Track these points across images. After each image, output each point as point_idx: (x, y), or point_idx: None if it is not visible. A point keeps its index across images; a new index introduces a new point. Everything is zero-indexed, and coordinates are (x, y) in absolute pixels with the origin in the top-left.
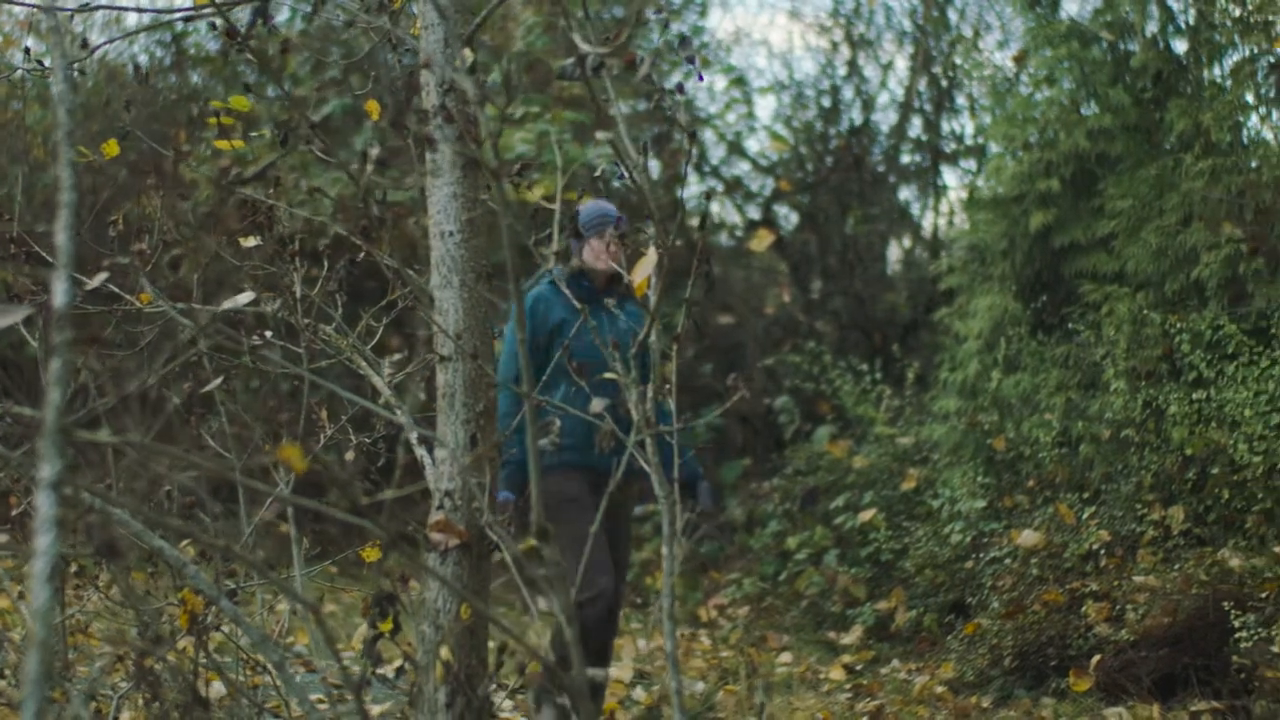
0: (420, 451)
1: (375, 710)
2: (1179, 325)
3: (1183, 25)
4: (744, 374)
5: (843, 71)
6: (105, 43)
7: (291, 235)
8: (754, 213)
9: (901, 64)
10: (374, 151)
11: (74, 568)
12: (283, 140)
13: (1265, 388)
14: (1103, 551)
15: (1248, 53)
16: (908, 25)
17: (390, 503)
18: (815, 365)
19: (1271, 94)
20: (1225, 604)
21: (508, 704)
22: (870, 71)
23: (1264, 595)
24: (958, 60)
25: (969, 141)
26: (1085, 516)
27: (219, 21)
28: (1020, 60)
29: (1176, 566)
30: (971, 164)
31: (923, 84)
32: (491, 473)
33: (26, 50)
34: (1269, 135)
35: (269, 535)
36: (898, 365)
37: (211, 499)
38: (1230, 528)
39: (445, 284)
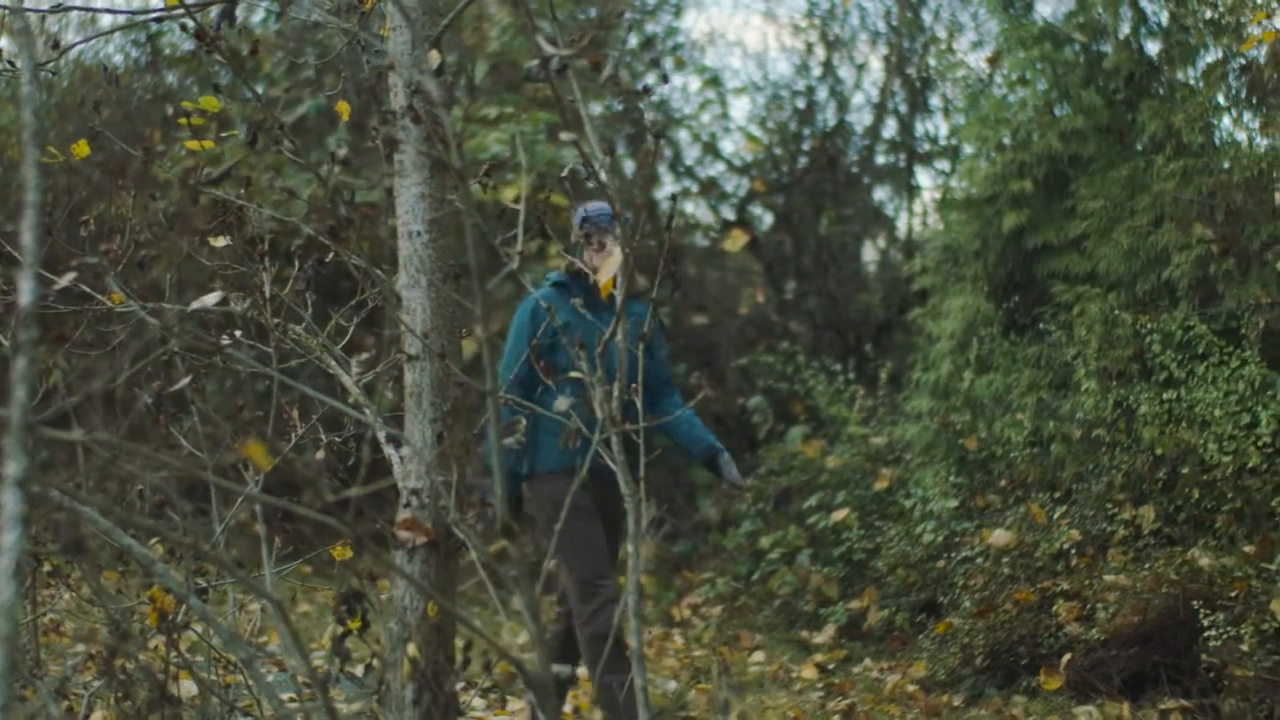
0: (389, 450)
1: (348, 709)
2: (1150, 326)
3: (1155, 27)
4: (718, 374)
5: (817, 72)
6: (77, 43)
7: (260, 235)
8: (728, 213)
9: (876, 65)
10: (341, 152)
11: (46, 567)
12: (251, 140)
13: (1235, 388)
14: (1074, 551)
15: (1219, 54)
16: (882, 26)
17: (363, 502)
18: (789, 365)
19: (1243, 95)
20: (1195, 603)
21: (480, 702)
22: (845, 72)
23: (1233, 594)
24: (931, 61)
25: (943, 142)
26: (1056, 516)
27: (189, 22)
28: (994, 61)
29: (1147, 566)
30: (945, 165)
31: (897, 85)
32: (459, 471)
33: None
34: (1241, 136)
35: (242, 535)
36: (871, 365)
37: (184, 499)
38: (1200, 527)
39: (413, 284)
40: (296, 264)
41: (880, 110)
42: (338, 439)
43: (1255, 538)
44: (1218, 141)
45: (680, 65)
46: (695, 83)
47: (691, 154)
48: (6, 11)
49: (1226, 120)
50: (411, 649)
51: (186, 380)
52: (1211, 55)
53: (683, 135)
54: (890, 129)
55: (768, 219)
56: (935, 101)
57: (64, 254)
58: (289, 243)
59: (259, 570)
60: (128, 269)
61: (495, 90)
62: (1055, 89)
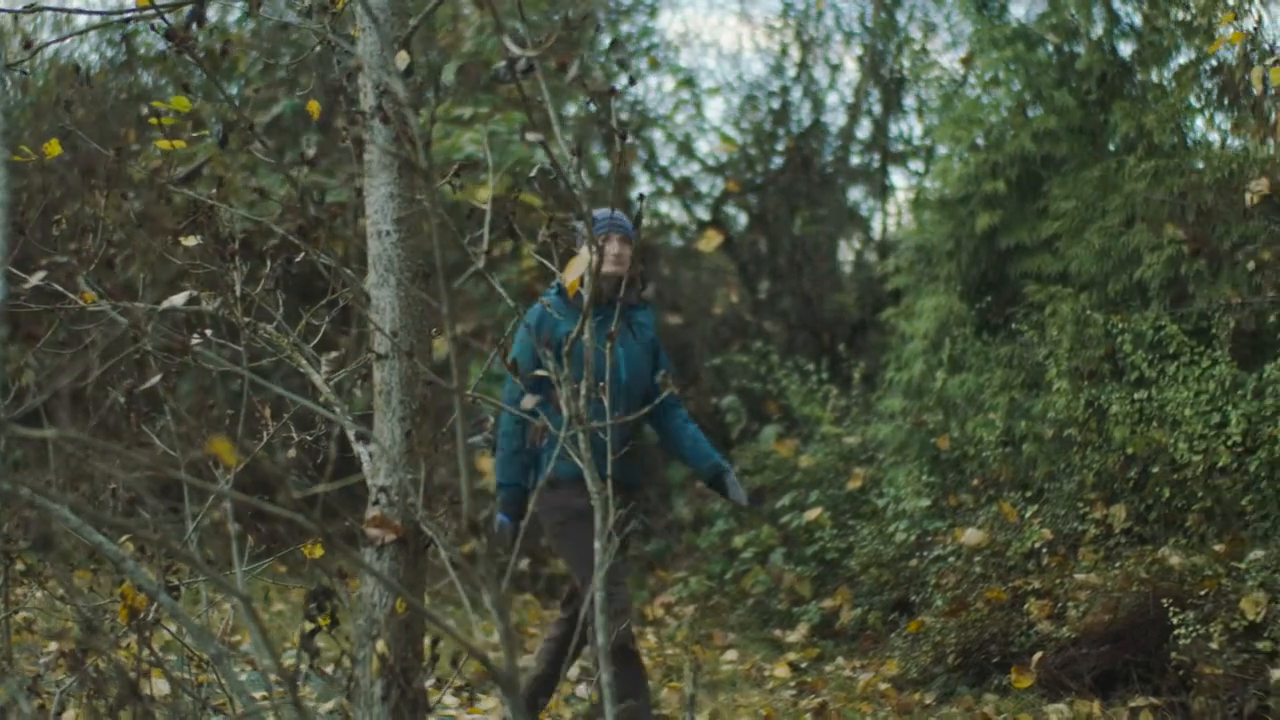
0: (358, 448)
1: (322, 708)
2: (1121, 325)
3: (1128, 28)
4: (692, 374)
5: (792, 73)
6: (50, 42)
7: (231, 234)
8: (703, 213)
9: (851, 65)
10: (310, 152)
11: (19, 565)
12: (221, 141)
13: (1205, 388)
14: (1045, 550)
15: (1192, 56)
16: (856, 27)
17: (335, 501)
18: (763, 365)
19: (1215, 96)
20: (1165, 601)
21: (452, 700)
22: (819, 73)
23: (1203, 593)
24: (906, 62)
25: (917, 143)
26: (1028, 515)
27: (159, 22)
28: (967, 62)
29: (1117, 564)
30: (919, 165)
31: (871, 85)
32: (427, 469)
33: None
34: (1214, 137)
35: (216, 535)
36: (845, 365)
37: (158, 498)
38: (1171, 526)
39: (382, 282)
40: (268, 263)
41: (855, 111)
42: (308, 437)
43: (1225, 536)
44: (1190, 142)
45: (655, 66)
46: (670, 83)
47: (666, 154)
48: None
49: (1200, 121)
50: (380, 646)
51: (157, 379)
52: (1184, 57)
53: (657, 135)
54: (865, 129)
55: (742, 219)
56: (909, 102)
57: (37, 253)
58: (263, 242)
59: (230, 569)
60: (100, 268)
61: (465, 90)
62: (1028, 90)
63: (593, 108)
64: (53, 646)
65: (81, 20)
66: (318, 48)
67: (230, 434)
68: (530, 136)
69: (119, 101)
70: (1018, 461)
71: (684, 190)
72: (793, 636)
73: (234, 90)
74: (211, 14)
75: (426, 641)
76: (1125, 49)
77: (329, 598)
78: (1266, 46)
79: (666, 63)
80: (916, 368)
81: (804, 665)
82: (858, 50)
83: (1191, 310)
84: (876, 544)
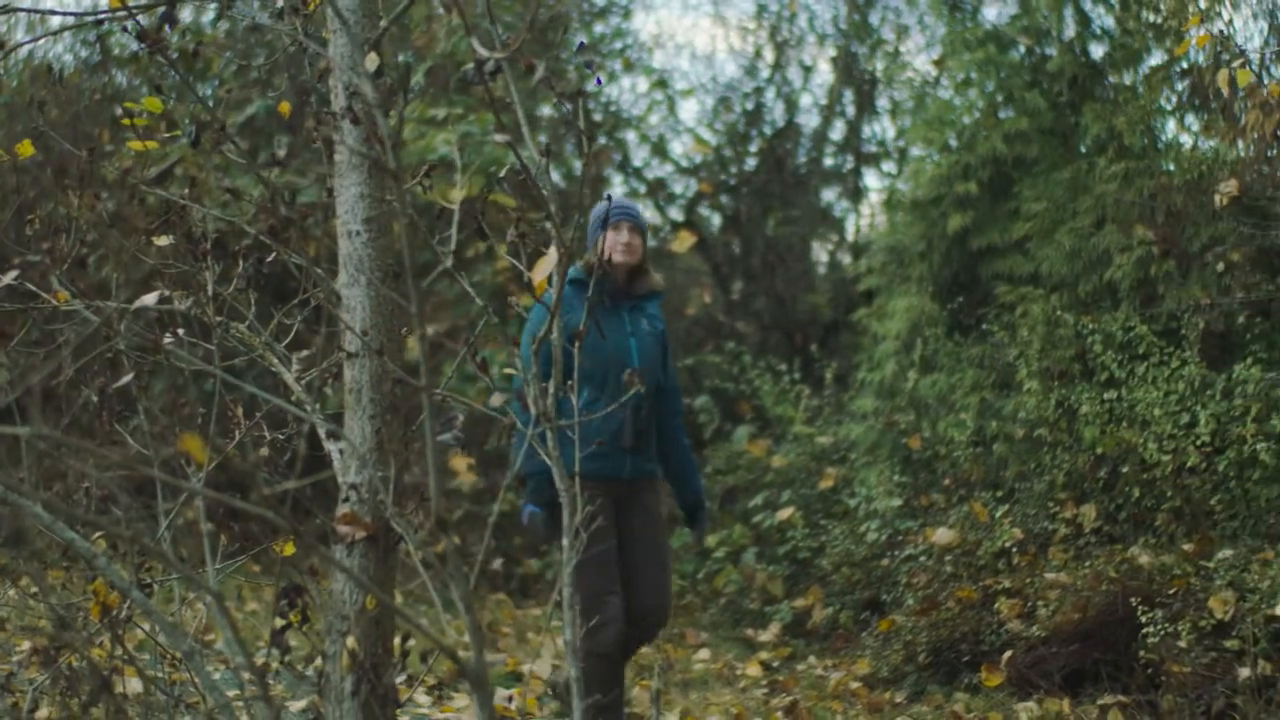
0: (329, 446)
1: (293, 706)
2: (1091, 326)
3: (1099, 31)
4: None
5: (766, 74)
6: (23, 43)
7: (203, 234)
8: (677, 214)
9: (824, 67)
10: (281, 153)
11: None
12: (194, 141)
13: (1175, 388)
14: (1015, 549)
15: (1162, 58)
16: (830, 29)
17: (308, 499)
18: (735, 365)
19: (1185, 99)
20: (1134, 600)
21: (425, 699)
22: (793, 74)
23: (1172, 592)
24: (879, 64)
25: (890, 144)
26: (999, 515)
27: (132, 24)
28: (940, 64)
29: (1087, 564)
30: (892, 166)
31: (844, 87)
32: (398, 467)
33: None
34: (1185, 139)
35: (189, 534)
36: (817, 365)
37: (131, 497)
38: (1140, 526)
39: (352, 282)
40: (240, 263)
41: (828, 112)
42: (280, 436)
43: (1194, 536)
44: (1160, 144)
45: (629, 67)
46: (644, 84)
47: (640, 155)
48: None
49: (1170, 123)
50: (350, 641)
51: (129, 377)
52: (1155, 59)
53: (631, 137)
54: (838, 131)
55: (716, 220)
56: (882, 104)
57: (10, 252)
58: (235, 242)
59: (203, 568)
60: (73, 267)
61: (435, 91)
62: (1000, 91)
63: (567, 109)
64: (25, 645)
65: (55, 21)
66: (290, 49)
67: (203, 433)
68: (498, 138)
69: (92, 102)
70: (989, 461)
71: (658, 191)
72: (764, 635)
73: (208, 91)
74: (185, 15)
75: (396, 638)
76: (1097, 51)
77: (300, 594)
78: (1236, 49)
79: (640, 64)
80: (888, 368)
81: (776, 664)
82: (831, 52)
83: (1161, 311)
84: (848, 543)
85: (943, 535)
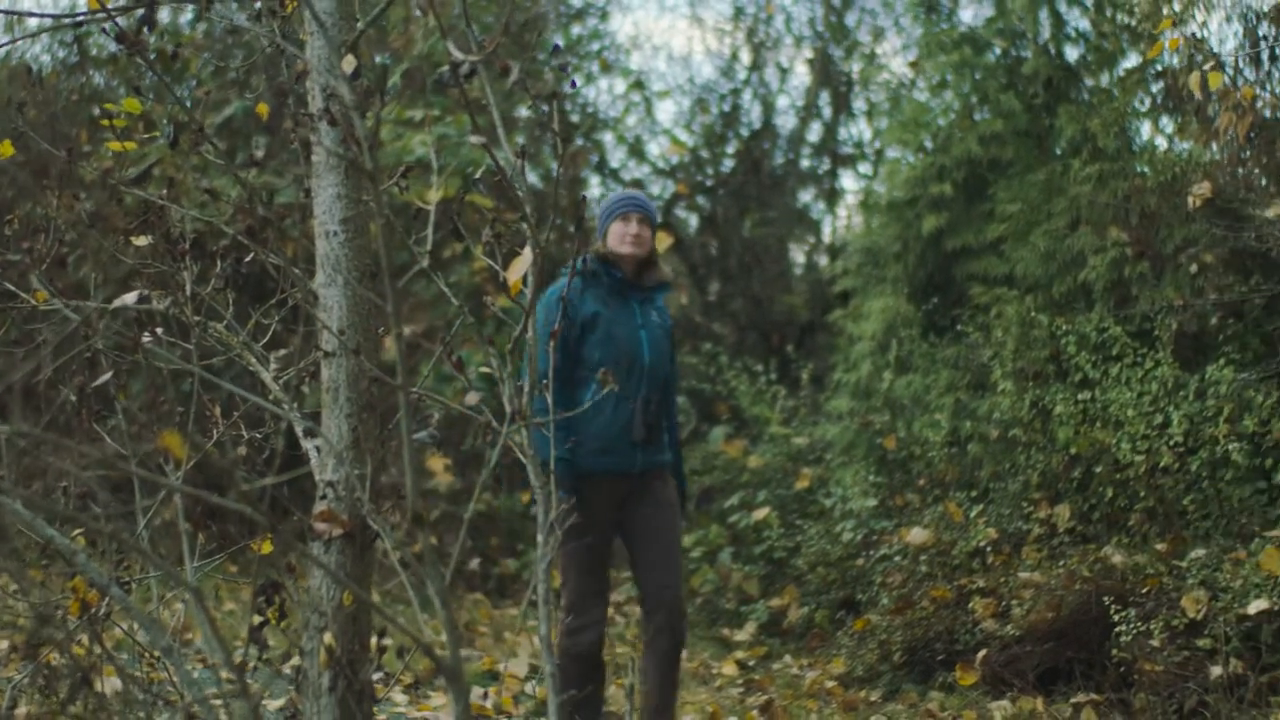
0: (306, 444)
1: (270, 705)
2: (1066, 327)
3: (1074, 33)
4: None
5: (743, 76)
6: (0, 44)
7: (182, 234)
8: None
9: (801, 69)
10: (258, 154)
11: None
12: (172, 143)
13: (1148, 389)
14: (990, 549)
15: (1137, 61)
16: (807, 31)
17: (286, 499)
18: (712, 366)
19: (1159, 101)
20: (1107, 599)
21: (401, 698)
22: (769, 76)
23: (1144, 591)
24: (855, 66)
25: (866, 146)
26: (973, 514)
27: (111, 25)
28: (916, 66)
29: (1061, 563)
30: (869, 168)
31: (821, 89)
32: (374, 465)
33: None
34: (1160, 142)
35: (169, 534)
36: (793, 366)
37: (111, 496)
38: (1113, 525)
39: (329, 282)
40: (218, 263)
41: (805, 114)
42: (258, 434)
43: (1167, 535)
44: (1134, 146)
45: (606, 68)
46: (621, 86)
47: (617, 156)
48: None
49: (1144, 125)
50: (328, 638)
51: (108, 375)
52: (1130, 61)
53: (608, 138)
54: (815, 132)
55: (693, 221)
56: (859, 105)
57: None
58: (213, 242)
59: (181, 567)
60: (52, 267)
61: (412, 93)
62: (975, 93)
63: (545, 109)
64: (3, 644)
65: (34, 22)
66: (268, 50)
67: (181, 431)
68: (474, 140)
69: (70, 102)
70: (963, 461)
71: None
72: (740, 635)
73: (185, 92)
74: (163, 16)
75: (373, 637)
76: (1072, 54)
77: (277, 591)
78: (1209, 51)
79: (617, 65)
80: (864, 369)
81: (751, 663)
82: (808, 54)
83: (1135, 312)
84: (824, 543)
85: (918, 535)
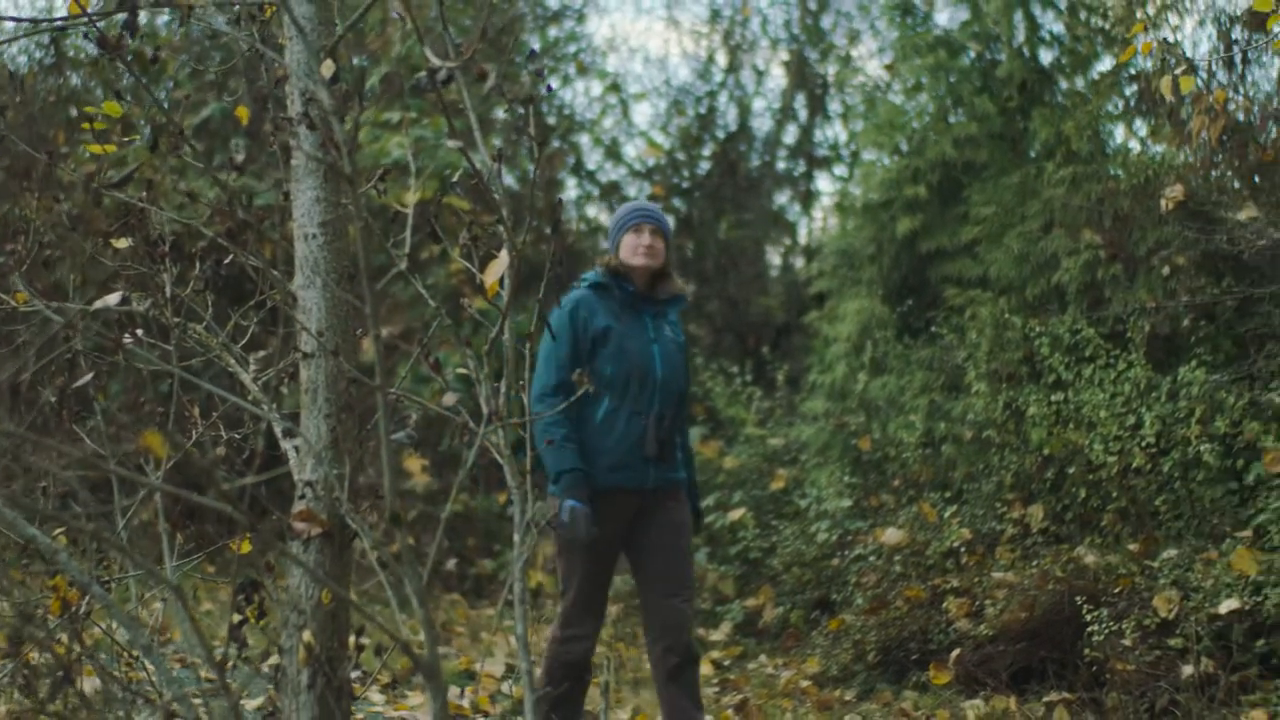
0: (285, 444)
1: (249, 705)
2: (1039, 329)
3: (1048, 36)
4: None
5: (719, 78)
6: None
7: (161, 236)
8: None
9: (777, 71)
10: (238, 157)
11: None
12: (152, 146)
13: (1121, 390)
14: (964, 549)
15: (1111, 64)
16: (783, 34)
17: (268, 498)
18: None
19: (1133, 104)
20: (1080, 599)
21: (379, 697)
22: (745, 78)
23: (1117, 590)
24: (831, 68)
25: (842, 148)
26: (947, 515)
27: (92, 30)
28: (891, 69)
29: (1034, 563)
30: (844, 170)
31: (797, 91)
32: (352, 465)
33: None
34: (1135, 145)
35: (147, 535)
36: (769, 368)
37: (90, 495)
38: (1086, 526)
39: (308, 284)
40: (198, 265)
41: (781, 116)
42: (237, 435)
43: (1139, 536)
44: (1108, 149)
45: (582, 70)
46: (597, 88)
47: (593, 158)
48: None
49: (1119, 128)
50: (307, 635)
51: (89, 377)
52: (1105, 64)
53: (585, 140)
54: (791, 135)
55: (669, 223)
56: (835, 108)
57: None
58: (192, 245)
59: (160, 565)
60: (32, 269)
61: (389, 96)
62: (950, 96)
63: (520, 110)
64: None
65: (9, 25)
66: (247, 53)
67: (161, 431)
68: (451, 144)
69: (47, 103)
70: (937, 462)
71: (611, 194)
72: (716, 635)
73: (162, 93)
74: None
75: (351, 636)
76: (1046, 57)
77: (257, 590)
78: (1182, 54)
79: (594, 68)
80: (839, 370)
81: (727, 663)
82: (784, 56)
83: (1108, 314)
84: (799, 544)
85: (892, 535)
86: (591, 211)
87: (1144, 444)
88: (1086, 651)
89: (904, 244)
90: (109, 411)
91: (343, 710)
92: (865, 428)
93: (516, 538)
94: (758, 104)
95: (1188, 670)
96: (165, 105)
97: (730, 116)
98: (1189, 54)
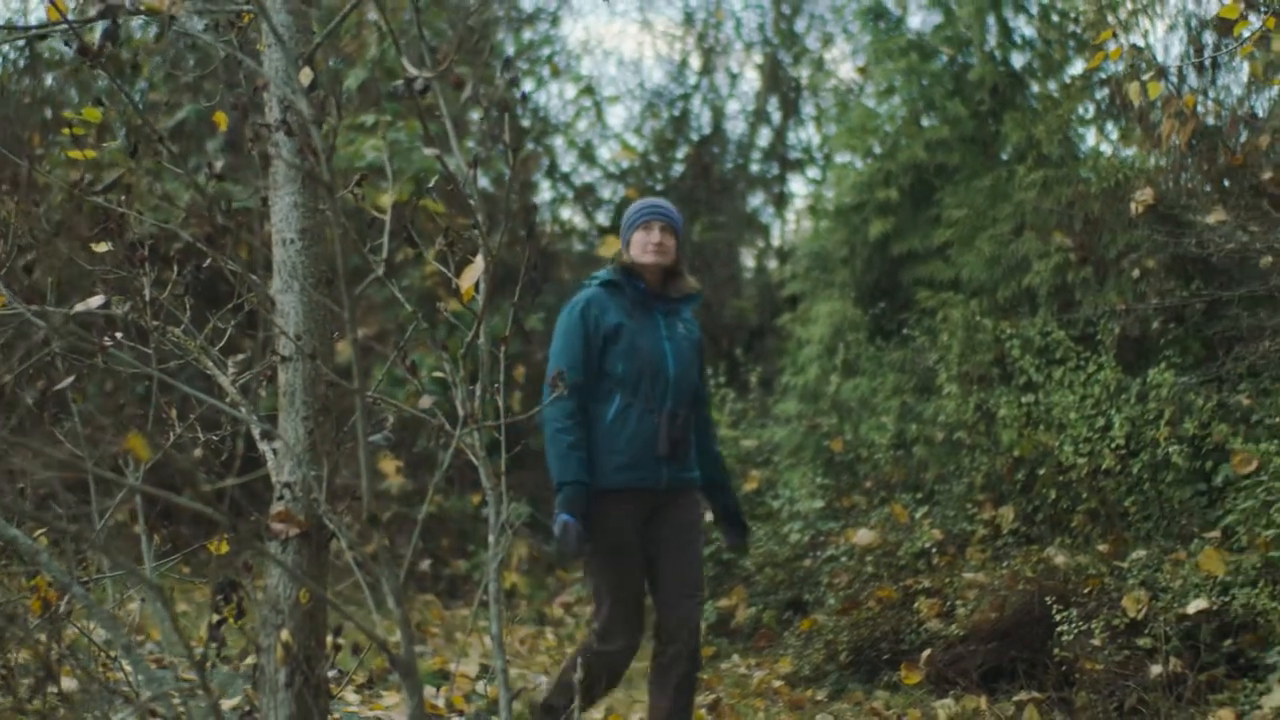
0: (263, 446)
1: (226, 704)
2: (1010, 331)
3: (1020, 40)
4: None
5: (693, 81)
6: None
7: (141, 240)
8: (604, 219)
9: (751, 74)
10: (218, 165)
11: None
12: (132, 151)
13: (1091, 392)
14: (935, 550)
15: (1082, 68)
16: (756, 37)
17: (243, 499)
18: None
19: (1104, 108)
20: (1049, 599)
21: (354, 697)
22: (719, 81)
23: (1086, 591)
24: (804, 72)
25: (815, 151)
26: (919, 516)
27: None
28: (864, 72)
29: (1005, 564)
30: (817, 173)
31: (771, 94)
32: (330, 467)
33: None
34: (1106, 148)
35: (122, 536)
36: (743, 370)
37: (68, 496)
38: (1056, 526)
39: (286, 288)
40: (176, 269)
41: (754, 119)
42: (215, 436)
43: (1108, 536)
44: (1079, 153)
45: (556, 73)
46: (571, 90)
47: (568, 161)
48: None
49: (1090, 132)
50: (285, 634)
51: (69, 380)
52: (1076, 69)
53: (559, 142)
54: (764, 137)
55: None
56: (808, 111)
57: None
58: (169, 248)
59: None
60: (11, 272)
61: (366, 99)
62: (922, 100)
63: (495, 114)
64: None
65: None
66: (222, 59)
67: (141, 432)
68: (428, 151)
69: (22, 105)
70: (909, 464)
71: (585, 197)
72: None
73: (138, 94)
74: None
75: (329, 636)
76: (1018, 61)
77: (235, 590)
78: (1151, 59)
79: (568, 70)
80: (812, 372)
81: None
82: (758, 59)
83: (1078, 316)
84: (771, 544)
85: (864, 536)
86: (566, 214)
87: (1114, 445)
88: (1056, 651)
89: (876, 247)
90: (86, 413)
91: (320, 708)
92: (837, 429)
93: (491, 538)
94: (731, 107)
95: (1156, 670)
96: (141, 108)
97: (704, 119)
98: (1160, 58)
